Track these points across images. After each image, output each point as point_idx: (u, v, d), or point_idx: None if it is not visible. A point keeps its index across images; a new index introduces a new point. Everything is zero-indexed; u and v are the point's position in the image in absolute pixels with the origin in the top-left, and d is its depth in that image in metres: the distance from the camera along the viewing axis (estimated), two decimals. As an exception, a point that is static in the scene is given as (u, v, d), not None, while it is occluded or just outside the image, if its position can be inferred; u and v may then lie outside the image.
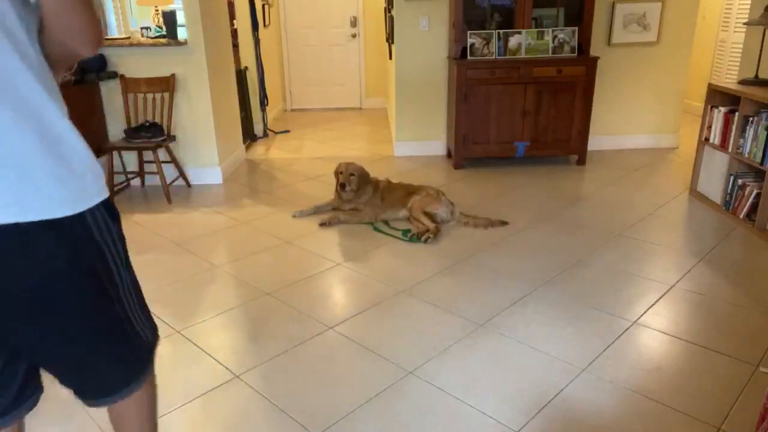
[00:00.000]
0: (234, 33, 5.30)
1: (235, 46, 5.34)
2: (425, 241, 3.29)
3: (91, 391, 1.28)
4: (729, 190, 3.58)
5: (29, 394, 1.26)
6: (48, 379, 1.26)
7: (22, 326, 1.11)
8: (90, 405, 1.30)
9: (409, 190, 3.68)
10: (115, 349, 1.26)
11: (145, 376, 1.35)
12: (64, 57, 1.13)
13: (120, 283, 1.22)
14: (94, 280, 1.15)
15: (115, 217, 1.19)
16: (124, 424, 1.37)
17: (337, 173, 3.63)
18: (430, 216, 3.46)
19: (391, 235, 3.42)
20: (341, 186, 3.60)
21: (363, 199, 3.66)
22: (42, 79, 1.04)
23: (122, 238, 1.23)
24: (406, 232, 3.45)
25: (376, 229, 3.53)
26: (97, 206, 1.11)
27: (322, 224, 3.58)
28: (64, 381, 1.26)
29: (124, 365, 1.30)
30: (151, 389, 1.40)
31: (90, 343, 1.20)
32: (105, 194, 1.13)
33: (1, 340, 1.13)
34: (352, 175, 3.61)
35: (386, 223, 3.62)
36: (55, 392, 2.06)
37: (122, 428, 1.38)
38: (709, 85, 3.77)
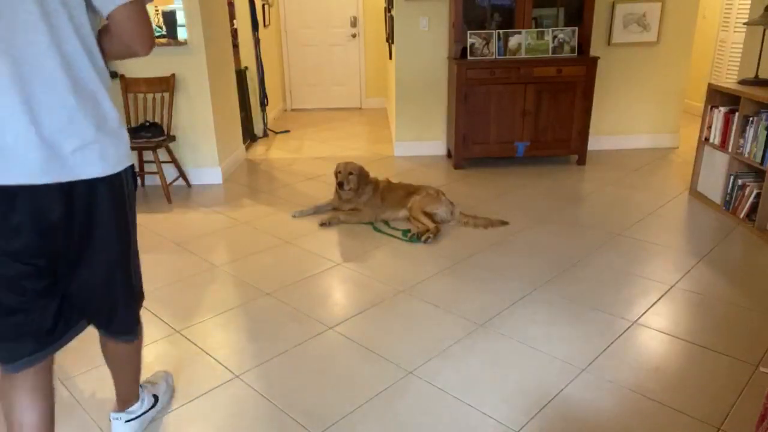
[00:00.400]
0: (234, 33, 5.30)
1: (235, 46, 5.34)
2: (425, 241, 3.29)
3: (120, 328, 1.65)
4: (729, 190, 3.58)
5: (59, 335, 1.54)
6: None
7: (69, 253, 1.44)
8: (111, 340, 1.68)
9: (409, 190, 3.68)
10: (126, 289, 1.59)
11: (138, 323, 1.71)
12: (122, 55, 1.47)
13: (132, 230, 1.56)
14: (122, 218, 1.50)
15: (135, 179, 1.57)
16: (121, 350, 1.72)
17: (336, 173, 3.64)
18: (430, 216, 3.47)
19: (391, 235, 3.42)
20: (340, 185, 3.60)
21: (363, 198, 3.66)
22: (95, 65, 1.38)
23: (135, 197, 1.58)
24: (406, 232, 3.45)
25: (376, 229, 3.53)
26: (129, 167, 1.50)
27: (322, 224, 3.58)
28: (91, 318, 1.62)
29: (133, 306, 1.66)
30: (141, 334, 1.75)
31: (109, 275, 1.52)
32: (132, 161, 1.52)
33: (49, 271, 1.44)
34: (350, 174, 3.61)
35: (386, 223, 3.62)
36: (55, 393, 2.06)
37: (115, 353, 1.73)
38: (709, 85, 3.77)
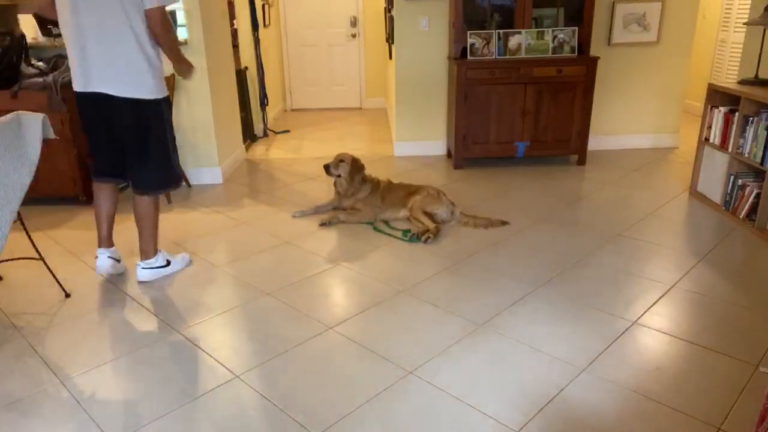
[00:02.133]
0: (234, 33, 5.30)
1: (235, 46, 5.34)
2: (425, 241, 3.29)
3: (139, 186, 2.73)
4: (729, 190, 3.58)
5: (120, 173, 2.79)
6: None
7: (126, 133, 2.65)
8: (138, 193, 2.74)
9: (410, 191, 3.67)
10: (160, 165, 2.73)
11: (172, 188, 3.00)
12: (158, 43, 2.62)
13: (166, 135, 2.72)
14: (157, 126, 2.67)
15: (170, 105, 2.76)
16: (144, 211, 2.78)
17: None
18: (431, 216, 3.46)
19: (391, 235, 3.42)
20: (326, 168, 3.59)
21: (361, 196, 3.65)
22: (143, 47, 2.53)
23: (168, 115, 2.75)
24: (406, 232, 3.45)
25: (376, 229, 3.53)
26: (164, 98, 2.68)
27: (322, 224, 3.58)
28: (133, 176, 2.75)
29: (163, 176, 2.79)
30: (156, 201, 2.81)
31: (148, 155, 2.69)
32: (165, 94, 2.68)
33: (117, 140, 2.69)
34: (341, 161, 3.58)
35: (386, 223, 3.62)
36: (55, 392, 2.06)
37: (141, 214, 2.78)
38: (709, 85, 3.77)
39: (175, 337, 2.39)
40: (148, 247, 2.83)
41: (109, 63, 2.51)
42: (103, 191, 2.82)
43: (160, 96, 2.64)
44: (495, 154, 4.73)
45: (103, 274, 2.90)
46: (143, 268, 2.84)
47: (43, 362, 2.22)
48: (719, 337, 2.31)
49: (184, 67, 2.78)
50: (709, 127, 3.78)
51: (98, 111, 2.62)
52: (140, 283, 2.85)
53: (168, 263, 2.92)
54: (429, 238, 3.30)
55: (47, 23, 4.19)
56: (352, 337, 2.36)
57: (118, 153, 2.71)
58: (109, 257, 2.87)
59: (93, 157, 2.82)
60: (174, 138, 2.81)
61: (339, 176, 3.61)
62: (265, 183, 4.55)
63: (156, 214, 2.82)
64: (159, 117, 2.66)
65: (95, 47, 2.49)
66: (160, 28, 2.52)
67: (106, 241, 2.88)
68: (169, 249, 3.26)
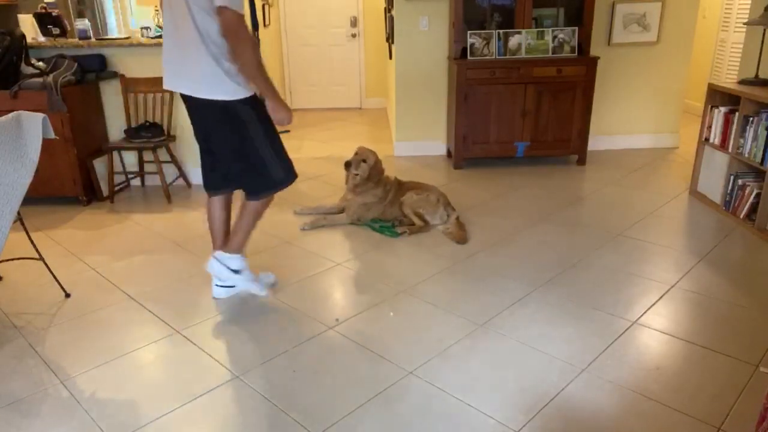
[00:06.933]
0: (234, 33, 5.29)
1: (236, 46, 5.32)
2: (400, 234, 3.35)
3: (246, 191, 2.53)
4: (729, 190, 3.58)
5: (226, 183, 2.61)
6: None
7: (211, 136, 2.47)
8: (248, 200, 2.54)
9: (416, 193, 3.55)
10: (255, 168, 2.46)
11: (277, 190, 2.54)
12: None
13: (255, 135, 2.40)
14: (240, 129, 2.38)
15: (254, 105, 2.38)
16: (248, 206, 2.55)
17: (355, 154, 3.54)
18: (421, 216, 3.45)
19: (382, 228, 3.41)
20: (346, 165, 3.51)
21: (366, 199, 3.53)
22: (208, 47, 2.24)
23: (255, 116, 2.40)
24: (391, 226, 3.50)
25: (370, 227, 3.52)
26: (243, 99, 2.34)
27: (303, 229, 3.52)
28: (237, 182, 2.58)
29: (263, 179, 2.49)
30: (266, 203, 2.58)
31: (239, 158, 2.46)
32: (244, 95, 2.33)
33: (210, 148, 2.53)
34: (363, 161, 3.48)
35: (375, 220, 3.59)
36: (55, 392, 2.06)
37: (243, 208, 2.57)
38: (709, 85, 3.77)
39: (175, 337, 2.39)
40: (232, 242, 2.62)
41: (182, 62, 2.31)
42: (215, 203, 2.64)
43: (241, 95, 2.32)
44: (495, 154, 4.73)
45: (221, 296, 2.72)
46: (215, 258, 2.65)
47: (43, 362, 2.22)
48: (719, 337, 2.31)
49: (270, 105, 2.36)
50: (709, 127, 3.78)
51: (188, 111, 2.49)
52: (209, 272, 2.69)
53: (237, 271, 2.65)
54: (405, 232, 3.31)
55: (47, 23, 4.19)
56: (352, 336, 2.36)
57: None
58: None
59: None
60: (272, 137, 2.47)
61: (356, 175, 3.52)
62: (265, 183, 4.54)
63: (260, 210, 2.57)
64: (240, 117, 2.36)
65: (173, 46, 2.33)
66: (233, 36, 2.15)
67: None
68: (169, 249, 3.26)
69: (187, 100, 2.41)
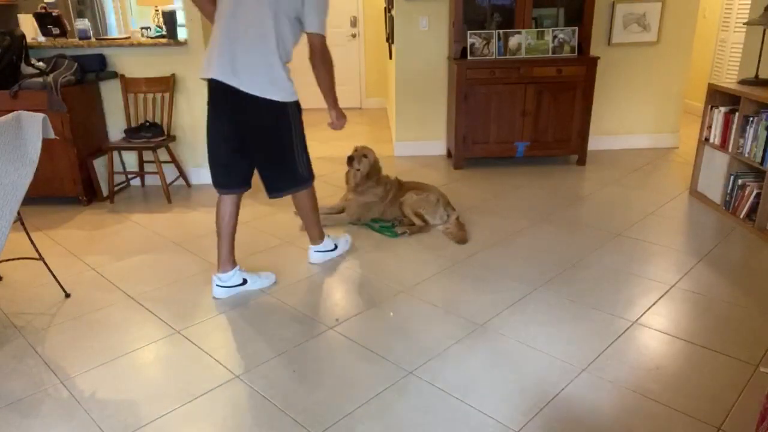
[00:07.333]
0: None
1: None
2: (400, 235, 3.35)
3: (271, 188, 2.73)
4: (729, 190, 3.58)
5: (246, 182, 2.71)
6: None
7: (251, 139, 2.58)
8: (270, 197, 2.75)
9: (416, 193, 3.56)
10: (286, 167, 2.68)
11: (299, 189, 2.80)
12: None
13: (293, 139, 2.64)
14: (285, 129, 2.59)
15: (299, 108, 2.65)
16: (299, 203, 2.89)
17: (354, 151, 3.56)
18: (420, 216, 3.45)
19: (382, 228, 3.41)
20: (349, 160, 3.53)
21: (366, 198, 3.55)
22: (279, 51, 2.45)
23: (298, 120, 2.65)
24: (391, 227, 3.49)
25: (369, 227, 3.52)
26: (293, 102, 2.57)
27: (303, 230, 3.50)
28: (263, 179, 2.72)
29: (290, 177, 2.73)
30: (309, 193, 2.86)
31: (274, 156, 2.64)
32: (295, 98, 2.58)
33: (244, 147, 2.61)
34: (365, 156, 3.51)
35: (375, 220, 3.59)
36: (55, 392, 2.06)
37: (298, 206, 2.93)
38: (709, 85, 3.77)
39: (175, 336, 2.39)
40: (314, 234, 3.00)
41: (247, 61, 2.43)
42: (226, 202, 2.70)
43: (291, 99, 2.56)
44: (495, 154, 4.73)
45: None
46: (315, 251, 3.04)
47: (43, 362, 2.22)
48: (719, 337, 2.31)
49: (335, 113, 2.83)
50: (709, 127, 3.78)
51: (230, 108, 2.54)
52: (311, 264, 3.05)
53: (335, 246, 3.09)
54: (405, 232, 3.32)
55: (47, 23, 4.20)
56: (352, 336, 2.36)
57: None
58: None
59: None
60: (304, 140, 2.74)
61: (358, 170, 3.54)
62: (265, 183, 4.54)
63: (310, 204, 2.89)
64: (290, 118, 2.60)
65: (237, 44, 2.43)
66: (320, 58, 2.52)
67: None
68: (169, 249, 3.27)
69: (237, 98, 2.44)
